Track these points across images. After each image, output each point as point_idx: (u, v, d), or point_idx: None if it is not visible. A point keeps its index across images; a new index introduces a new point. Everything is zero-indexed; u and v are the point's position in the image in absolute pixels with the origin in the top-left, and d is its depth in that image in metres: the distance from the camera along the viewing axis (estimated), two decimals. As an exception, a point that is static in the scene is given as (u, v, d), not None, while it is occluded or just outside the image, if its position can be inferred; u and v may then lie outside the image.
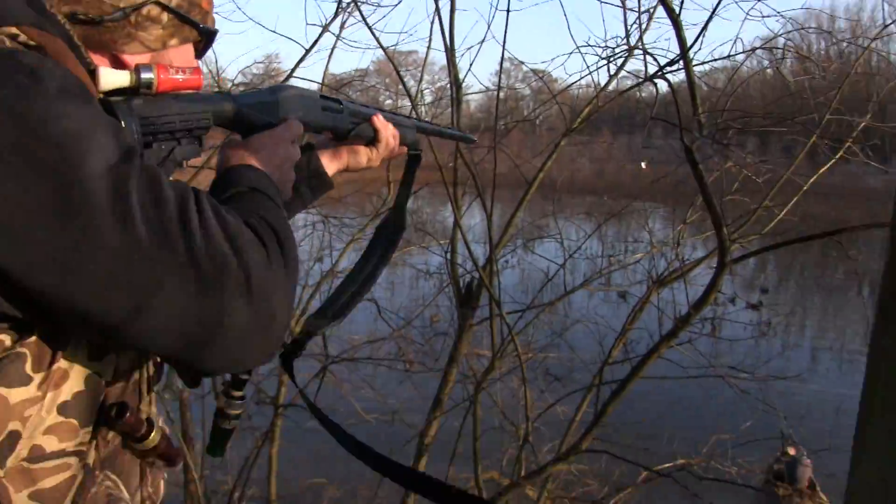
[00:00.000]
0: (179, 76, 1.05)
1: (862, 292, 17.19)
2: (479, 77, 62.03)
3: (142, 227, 0.81)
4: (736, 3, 4.32)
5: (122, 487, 1.04)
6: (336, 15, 5.00)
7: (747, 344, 7.13)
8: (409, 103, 5.12)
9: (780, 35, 5.12)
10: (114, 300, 0.81)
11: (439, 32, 4.86)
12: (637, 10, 4.67)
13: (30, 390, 0.87)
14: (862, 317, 15.70)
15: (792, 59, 6.08)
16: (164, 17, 1.04)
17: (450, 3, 4.81)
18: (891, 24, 5.86)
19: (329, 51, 5.78)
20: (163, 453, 1.10)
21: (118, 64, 1.04)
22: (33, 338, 0.86)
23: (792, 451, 5.93)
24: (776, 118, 5.43)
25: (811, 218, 6.48)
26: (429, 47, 5.19)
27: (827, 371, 12.42)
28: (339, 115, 1.37)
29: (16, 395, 0.85)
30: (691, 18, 4.14)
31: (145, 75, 1.00)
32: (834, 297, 18.54)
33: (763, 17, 4.63)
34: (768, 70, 6.98)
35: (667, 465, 5.08)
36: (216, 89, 4.52)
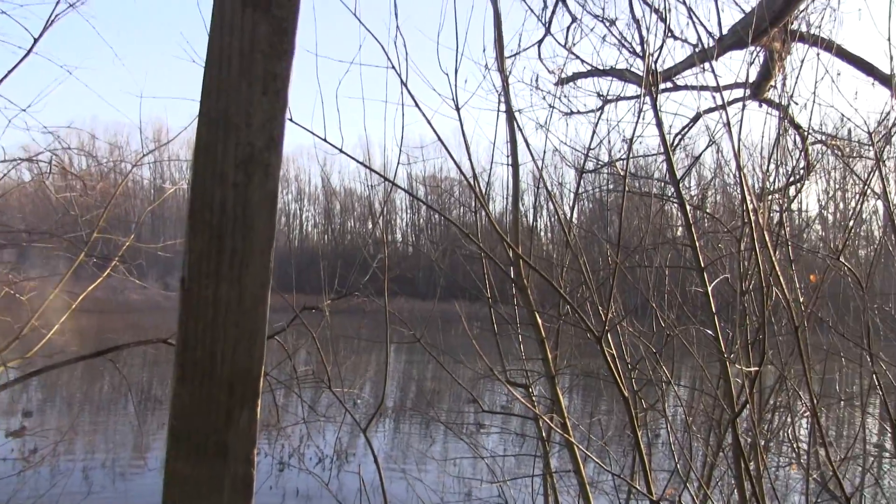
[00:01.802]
0: None
1: (130, 405, 17.62)
2: None
3: None
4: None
5: None
6: None
7: (14, 479, 6.61)
8: None
9: (46, 150, 5.06)
10: None
11: None
12: None
13: None
14: (130, 429, 16.06)
15: (56, 175, 6.06)
16: None
17: None
18: (148, 153, 6.31)
19: None
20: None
21: None
22: None
23: None
24: (44, 233, 5.31)
25: (76, 332, 6.40)
26: None
27: (103, 489, 12.27)
28: None
29: None
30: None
31: None
32: (102, 413, 18.57)
33: (28, 128, 4.54)
34: (30, 183, 6.81)
35: None
36: None
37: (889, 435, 4.43)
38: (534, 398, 5.40)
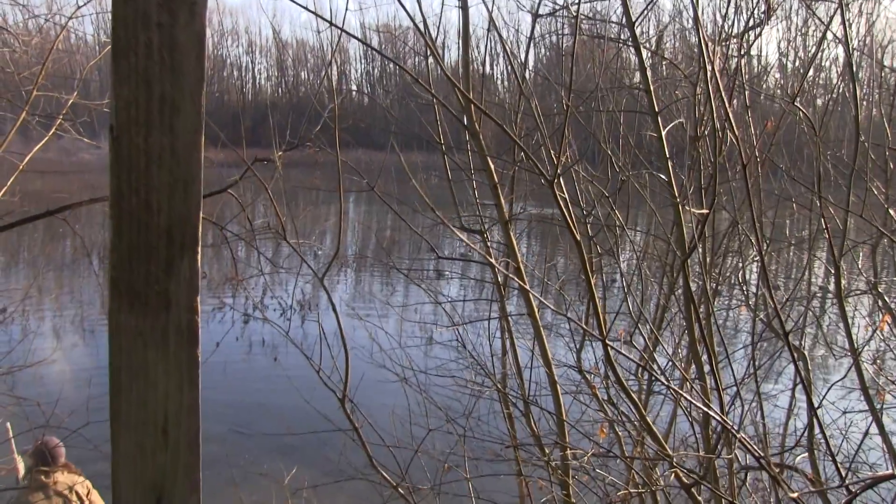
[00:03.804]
0: None
1: (93, 264, 17.58)
2: None
3: None
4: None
5: None
6: None
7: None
8: None
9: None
10: None
11: None
12: None
13: None
14: (97, 288, 16.10)
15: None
16: None
17: None
18: (85, 3, 5.94)
19: None
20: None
21: None
22: None
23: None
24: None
25: (31, 196, 6.30)
26: None
27: (73, 347, 12.44)
28: None
29: None
30: None
31: None
32: (67, 273, 18.55)
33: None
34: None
35: None
36: None
37: (832, 277, 4.58)
38: (490, 245, 5.46)
